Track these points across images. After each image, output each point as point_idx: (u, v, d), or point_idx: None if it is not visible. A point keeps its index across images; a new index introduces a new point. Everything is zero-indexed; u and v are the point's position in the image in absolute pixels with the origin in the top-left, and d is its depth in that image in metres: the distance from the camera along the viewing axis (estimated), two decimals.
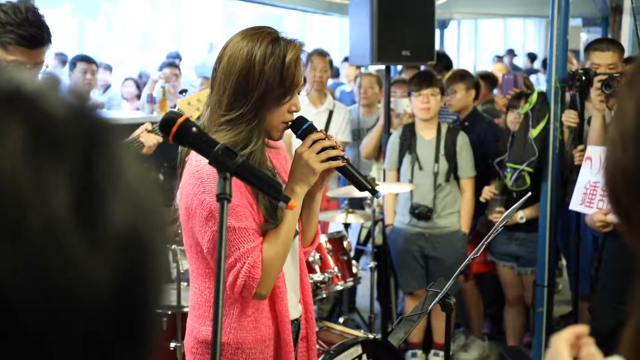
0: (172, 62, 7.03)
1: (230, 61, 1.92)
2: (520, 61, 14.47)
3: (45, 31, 2.36)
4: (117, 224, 0.48)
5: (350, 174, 2.00)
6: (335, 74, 8.95)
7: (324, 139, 1.96)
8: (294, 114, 2.00)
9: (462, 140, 4.31)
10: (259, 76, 1.89)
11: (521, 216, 4.27)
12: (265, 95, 1.90)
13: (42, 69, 2.45)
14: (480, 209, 4.43)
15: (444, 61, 5.77)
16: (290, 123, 1.99)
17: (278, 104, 1.93)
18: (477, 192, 4.37)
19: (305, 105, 4.88)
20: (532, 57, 14.12)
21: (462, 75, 4.77)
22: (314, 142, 1.94)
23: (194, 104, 3.10)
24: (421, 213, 4.26)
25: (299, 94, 1.99)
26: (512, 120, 4.27)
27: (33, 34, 2.29)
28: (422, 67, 5.19)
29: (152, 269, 0.51)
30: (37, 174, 0.45)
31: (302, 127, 1.99)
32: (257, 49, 1.90)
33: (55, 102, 0.48)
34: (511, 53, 13.69)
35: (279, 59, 1.89)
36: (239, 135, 1.91)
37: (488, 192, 4.32)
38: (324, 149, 1.94)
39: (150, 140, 2.98)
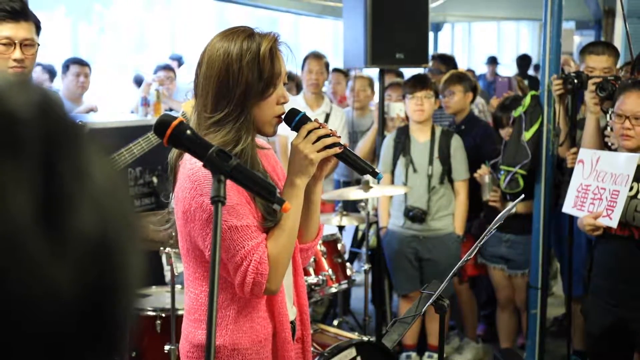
0: (168, 65, 7.02)
1: (209, 64, 1.93)
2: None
3: (26, 5, 2.51)
4: (83, 228, 0.46)
5: (350, 160, 1.99)
6: None
7: (319, 127, 1.95)
8: (285, 106, 1.99)
9: (456, 143, 4.32)
10: (238, 73, 1.90)
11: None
12: (247, 91, 1.90)
13: (36, 49, 2.51)
14: (475, 211, 4.43)
15: (451, 63, 5.79)
16: (282, 116, 1.99)
17: (263, 97, 1.93)
18: (472, 194, 4.38)
19: (301, 108, 4.89)
20: (493, 60, 11.53)
21: (460, 77, 4.77)
22: (309, 132, 1.94)
23: None
24: (415, 215, 4.26)
25: (284, 84, 1.99)
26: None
27: (14, 6, 2.44)
28: (428, 70, 5.21)
29: (122, 273, 0.50)
30: None
31: (295, 119, 1.98)
32: (233, 47, 1.91)
33: (19, 101, 0.47)
34: (493, 61, 11.40)
35: (254, 52, 1.91)
36: (228, 135, 1.91)
37: (484, 169, 4.31)
38: (319, 138, 1.93)
39: None
